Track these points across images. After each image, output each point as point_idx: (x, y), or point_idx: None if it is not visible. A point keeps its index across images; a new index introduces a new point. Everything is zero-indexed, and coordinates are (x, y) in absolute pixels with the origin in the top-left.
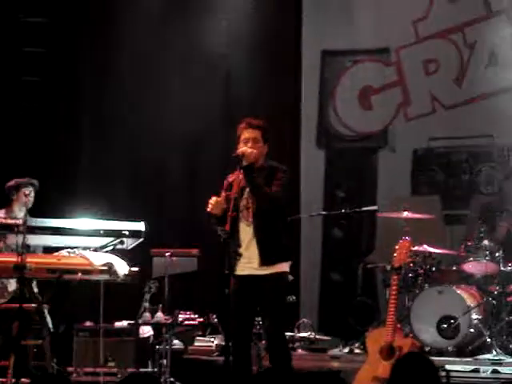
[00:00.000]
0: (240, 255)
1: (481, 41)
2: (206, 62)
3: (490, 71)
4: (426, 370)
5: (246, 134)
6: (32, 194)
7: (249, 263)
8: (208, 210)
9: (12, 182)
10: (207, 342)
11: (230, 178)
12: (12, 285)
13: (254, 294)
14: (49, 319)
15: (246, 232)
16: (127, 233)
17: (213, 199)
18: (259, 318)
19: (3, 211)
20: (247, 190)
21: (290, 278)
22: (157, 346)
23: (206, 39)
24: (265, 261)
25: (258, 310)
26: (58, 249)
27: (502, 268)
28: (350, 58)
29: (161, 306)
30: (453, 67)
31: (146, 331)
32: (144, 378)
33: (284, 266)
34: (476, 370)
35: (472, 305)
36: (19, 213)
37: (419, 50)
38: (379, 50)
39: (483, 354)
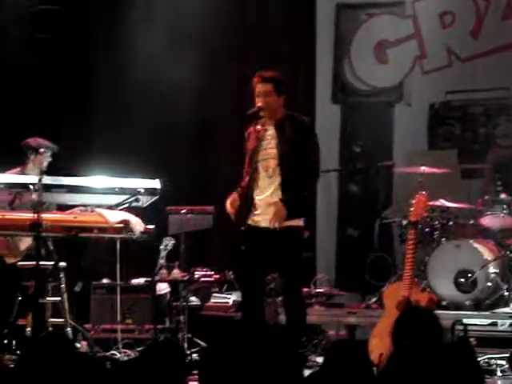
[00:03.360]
0: (254, 206)
1: None
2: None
3: (507, 23)
4: (428, 324)
5: (258, 88)
6: (49, 159)
7: (265, 214)
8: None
9: (32, 142)
10: (224, 298)
11: (249, 129)
12: (24, 243)
13: (268, 248)
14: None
15: (265, 183)
16: (142, 190)
17: (228, 204)
18: (276, 274)
19: (18, 169)
20: (265, 141)
21: (306, 233)
22: (173, 303)
23: None
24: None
25: (274, 265)
26: (71, 207)
27: None
28: (365, 11)
29: (177, 263)
30: (469, 19)
31: (163, 288)
32: (165, 347)
33: (300, 221)
34: (494, 324)
35: (489, 258)
36: (33, 173)
37: (435, 2)
38: (395, 2)
39: (501, 307)
